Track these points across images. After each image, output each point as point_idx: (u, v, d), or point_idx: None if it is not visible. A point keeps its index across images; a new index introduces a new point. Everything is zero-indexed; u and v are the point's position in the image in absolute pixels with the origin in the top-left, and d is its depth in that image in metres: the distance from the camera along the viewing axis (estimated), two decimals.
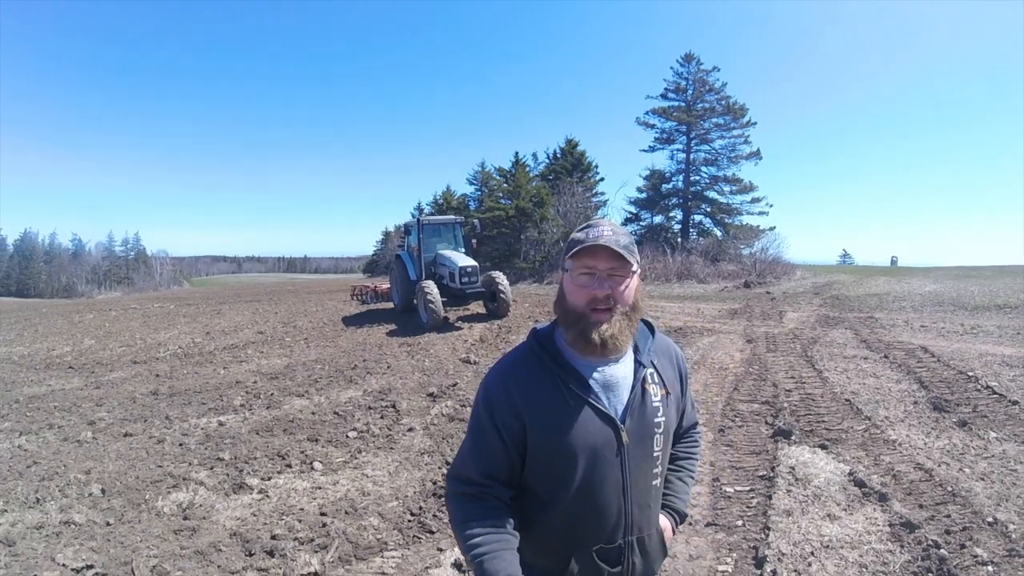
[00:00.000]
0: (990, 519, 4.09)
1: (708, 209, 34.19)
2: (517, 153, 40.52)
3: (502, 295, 14.57)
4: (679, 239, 33.04)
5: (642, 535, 1.62)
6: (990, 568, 3.48)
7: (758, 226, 32.60)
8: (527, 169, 38.24)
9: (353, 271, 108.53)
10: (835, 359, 9.58)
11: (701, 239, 32.71)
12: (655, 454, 1.61)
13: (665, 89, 34.95)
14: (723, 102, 33.33)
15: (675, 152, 34.90)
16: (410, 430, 6.34)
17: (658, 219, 35.50)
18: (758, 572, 3.62)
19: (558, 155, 38.88)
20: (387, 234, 71.12)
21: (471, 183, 45.21)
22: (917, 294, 18.38)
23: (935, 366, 8.78)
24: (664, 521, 1.74)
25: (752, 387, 8.06)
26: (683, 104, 34.22)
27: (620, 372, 1.59)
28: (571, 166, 37.07)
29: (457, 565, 3.80)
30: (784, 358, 9.83)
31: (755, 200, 33.09)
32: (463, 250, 16.11)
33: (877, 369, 8.76)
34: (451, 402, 7.37)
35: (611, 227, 1.56)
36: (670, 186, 34.88)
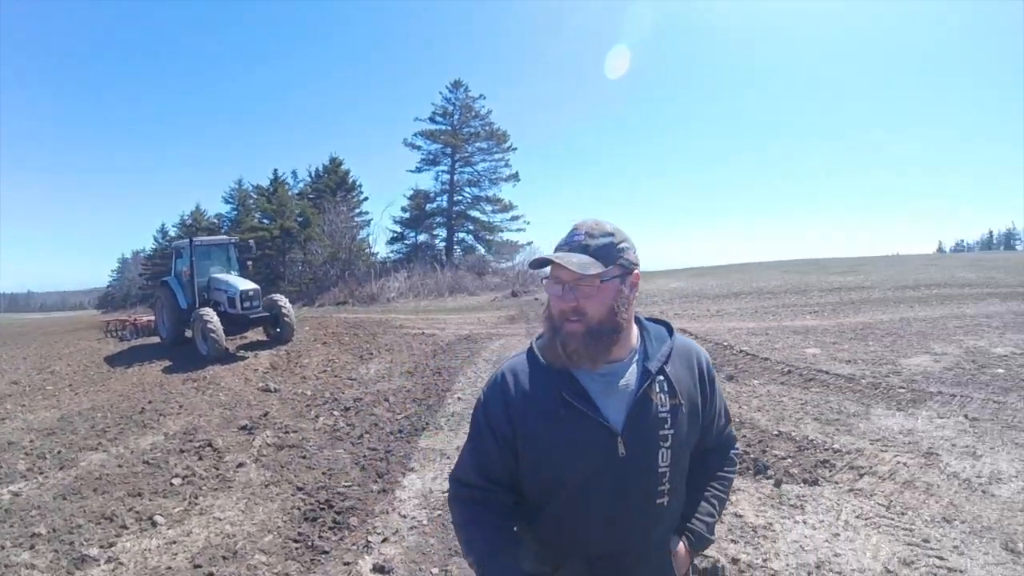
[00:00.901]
0: (775, 432, 5.43)
1: (471, 227, 35.90)
2: (276, 170, 38.36)
3: (286, 319, 13.60)
4: (444, 256, 34.06)
5: (641, 555, 1.53)
6: (789, 460, 4.72)
7: (517, 241, 35.35)
8: (287, 187, 36.68)
9: (84, 307, 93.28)
10: None
11: (466, 255, 34.20)
12: (660, 469, 1.49)
13: (433, 113, 36.02)
14: (487, 128, 35.39)
15: (440, 173, 35.98)
16: (240, 466, 5.83)
17: (423, 237, 36.23)
18: None
19: (321, 173, 37.79)
20: (124, 262, 62.55)
21: (227, 202, 41.62)
22: (665, 290, 21.38)
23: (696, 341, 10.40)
24: (676, 543, 1.63)
25: None
26: (449, 128, 35.49)
27: (622, 380, 1.51)
28: (335, 185, 36.27)
29: (379, 568, 3.76)
30: None
31: (514, 218, 35.72)
32: (236, 272, 14.76)
33: None
34: (270, 432, 6.89)
35: (588, 230, 1.50)
36: (434, 205, 35.91)
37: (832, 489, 4.23)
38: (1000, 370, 7.53)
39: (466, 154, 35.48)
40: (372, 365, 10.61)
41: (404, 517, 4.58)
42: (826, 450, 4.95)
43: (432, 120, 36.14)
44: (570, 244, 1.48)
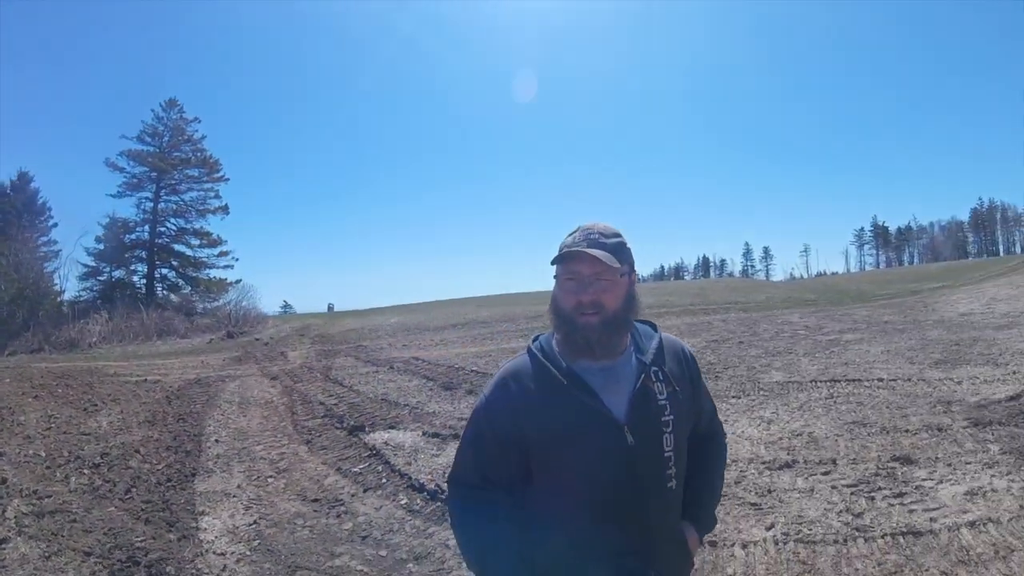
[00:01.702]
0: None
1: (175, 263, 31.58)
2: None
3: None
4: (144, 294, 29.23)
5: (660, 540, 1.53)
6: None
7: (225, 279, 32.03)
8: None
9: None
10: (354, 376, 11.41)
11: (172, 295, 30.16)
12: (666, 454, 1.50)
13: (141, 132, 30.67)
14: (199, 154, 31.56)
15: (143, 200, 30.74)
16: (3, 542, 4.85)
17: (119, 273, 30.48)
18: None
19: (8, 191, 29.54)
20: None
21: None
22: (386, 325, 21.91)
23: (429, 367, 11.58)
24: (688, 529, 1.65)
25: (305, 409, 9.07)
26: (157, 150, 30.66)
27: (621, 372, 1.52)
28: (22, 206, 28.81)
29: None
30: (313, 384, 11.09)
31: (222, 254, 32.33)
32: None
33: (390, 376, 11.05)
34: (19, 500, 5.74)
35: (600, 231, 1.53)
36: (134, 236, 30.59)
37: None
38: None
39: (173, 181, 31.05)
40: (102, 418, 9.16)
41: (223, 555, 4.58)
42: None
43: (140, 140, 30.75)
44: (588, 241, 1.50)
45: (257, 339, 21.42)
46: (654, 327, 1.68)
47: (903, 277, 36.86)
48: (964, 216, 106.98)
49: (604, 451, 1.45)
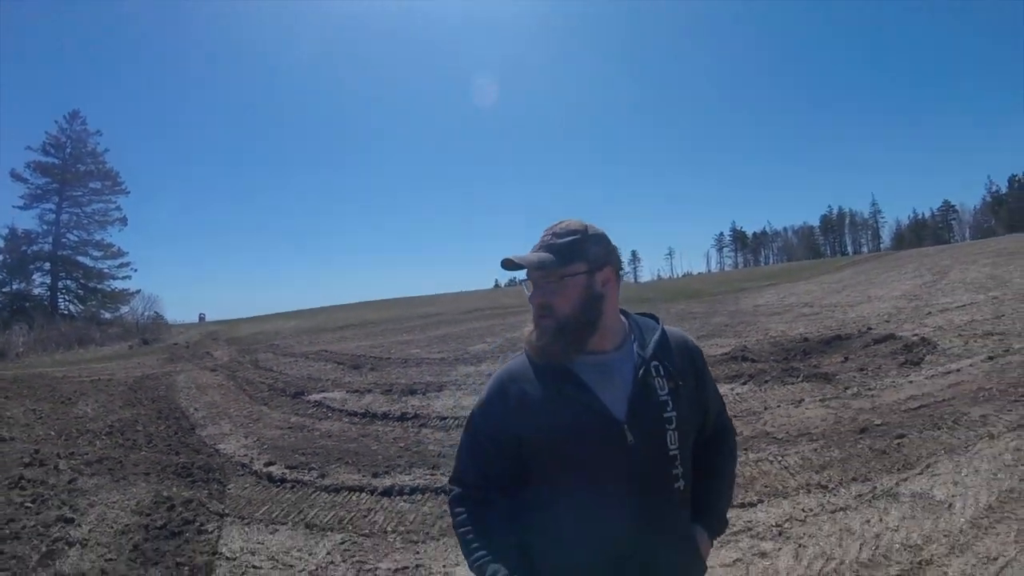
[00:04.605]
0: (412, 383, 8.56)
1: (78, 274, 26.94)
2: None
3: None
4: (49, 306, 24.72)
5: (663, 541, 1.17)
6: (426, 385, 7.95)
7: (128, 289, 28.19)
8: None
9: None
10: (280, 365, 12.00)
11: (78, 305, 25.74)
12: (670, 452, 1.16)
13: (45, 143, 25.87)
14: (101, 167, 27.26)
15: (46, 212, 26.09)
16: (72, 480, 5.35)
17: (20, 285, 25.63)
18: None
19: None
20: None
21: None
22: (287, 328, 21.57)
23: (337, 355, 11.79)
24: (699, 532, 1.26)
25: (252, 387, 9.82)
26: (60, 162, 26.12)
27: (619, 368, 1.19)
28: None
29: (270, 466, 5.29)
30: (249, 372, 11.59)
31: (122, 265, 28.42)
32: None
33: (308, 363, 11.70)
34: (65, 461, 5.93)
35: (556, 231, 1.20)
36: (36, 248, 25.93)
37: (448, 396, 7.25)
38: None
39: (76, 193, 26.62)
40: (82, 406, 9.06)
41: (246, 455, 5.53)
42: (444, 382, 7.76)
43: (45, 151, 25.98)
44: (541, 243, 1.21)
45: (175, 344, 19.65)
46: (656, 319, 1.31)
47: (749, 277, 33.35)
48: (815, 221, 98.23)
49: (603, 450, 1.13)
